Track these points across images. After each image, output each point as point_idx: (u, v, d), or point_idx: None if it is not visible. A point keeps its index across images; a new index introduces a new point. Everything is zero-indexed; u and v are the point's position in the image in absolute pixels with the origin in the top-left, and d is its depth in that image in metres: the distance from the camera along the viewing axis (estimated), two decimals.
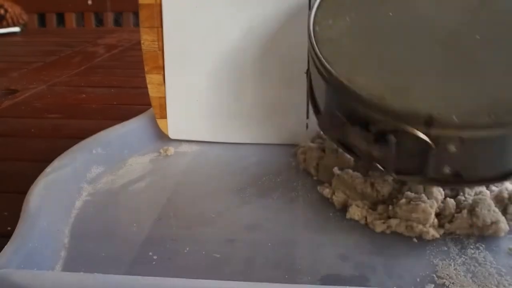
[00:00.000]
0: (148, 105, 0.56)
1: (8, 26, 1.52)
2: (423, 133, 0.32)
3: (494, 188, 0.41)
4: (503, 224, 0.36)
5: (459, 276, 0.32)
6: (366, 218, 0.39)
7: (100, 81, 0.93)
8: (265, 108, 0.54)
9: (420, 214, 0.36)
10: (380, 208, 0.39)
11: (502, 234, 0.36)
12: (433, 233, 0.36)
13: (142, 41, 0.53)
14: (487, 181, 0.37)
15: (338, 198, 0.41)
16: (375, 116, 0.33)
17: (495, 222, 0.36)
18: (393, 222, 0.37)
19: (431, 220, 0.36)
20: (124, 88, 0.88)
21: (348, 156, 0.42)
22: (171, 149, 0.53)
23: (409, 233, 0.37)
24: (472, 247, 0.36)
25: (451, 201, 0.38)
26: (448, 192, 0.40)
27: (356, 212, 0.39)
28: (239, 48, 0.53)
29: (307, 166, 0.47)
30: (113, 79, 0.94)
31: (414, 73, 0.35)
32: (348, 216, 0.39)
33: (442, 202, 0.38)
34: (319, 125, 0.42)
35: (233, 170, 0.49)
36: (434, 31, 0.38)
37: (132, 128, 0.54)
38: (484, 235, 0.37)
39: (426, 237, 0.36)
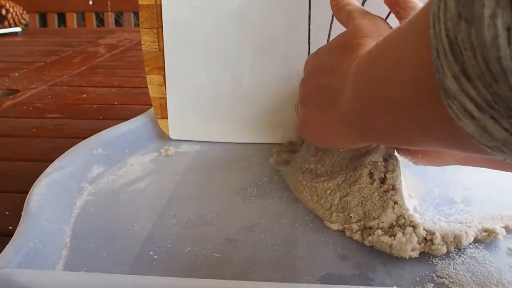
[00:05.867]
0: (149, 105, 0.57)
1: (9, 26, 1.53)
2: None
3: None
4: (499, 231, 0.36)
5: (458, 276, 0.33)
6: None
7: (101, 81, 0.93)
8: (266, 107, 0.54)
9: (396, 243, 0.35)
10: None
11: (501, 238, 0.37)
12: (411, 254, 0.35)
13: (142, 42, 0.53)
14: None
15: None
16: None
17: (491, 231, 0.36)
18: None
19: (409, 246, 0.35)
20: (124, 88, 0.88)
21: None
22: (172, 149, 0.53)
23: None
24: (471, 246, 0.36)
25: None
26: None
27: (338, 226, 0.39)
28: (239, 48, 0.53)
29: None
30: (114, 79, 0.95)
31: None
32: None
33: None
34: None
35: (234, 170, 0.49)
36: None
37: (132, 128, 0.54)
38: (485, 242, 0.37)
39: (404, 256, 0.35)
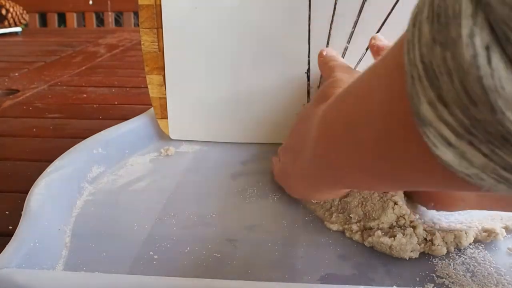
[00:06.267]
0: (149, 104, 0.57)
1: (9, 26, 1.53)
2: None
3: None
4: (499, 231, 0.36)
5: (458, 276, 0.33)
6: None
7: (101, 81, 0.93)
8: (266, 107, 0.54)
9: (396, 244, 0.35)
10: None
11: (501, 238, 0.37)
12: (411, 255, 0.35)
13: (142, 42, 0.53)
14: None
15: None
16: None
17: (491, 231, 0.36)
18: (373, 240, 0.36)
19: (409, 248, 0.35)
20: (124, 88, 0.88)
21: None
22: (172, 149, 0.53)
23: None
24: (471, 246, 0.36)
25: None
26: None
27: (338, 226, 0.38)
28: (239, 48, 0.53)
29: None
30: (114, 79, 0.95)
31: None
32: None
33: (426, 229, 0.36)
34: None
35: (234, 170, 0.49)
36: None
37: (132, 128, 0.54)
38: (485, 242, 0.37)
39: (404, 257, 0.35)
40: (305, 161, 0.35)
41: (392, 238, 0.35)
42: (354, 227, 0.37)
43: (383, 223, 0.36)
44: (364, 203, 0.38)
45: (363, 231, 0.37)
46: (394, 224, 0.36)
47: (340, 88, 0.36)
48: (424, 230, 0.35)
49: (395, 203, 0.37)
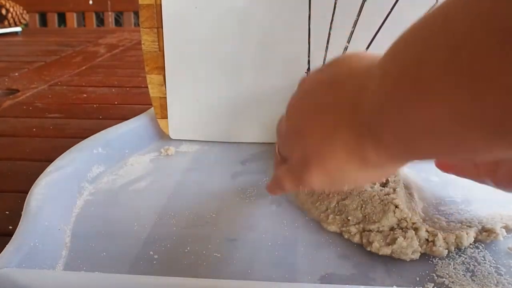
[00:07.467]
0: (149, 104, 0.57)
1: (9, 26, 1.53)
2: None
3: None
4: (499, 231, 0.36)
5: (458, 275, 0.33)
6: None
7: (101, 80, 0.93)
8: (265, 107, 0.54)
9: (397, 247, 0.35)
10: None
11: (501, 238, 0.37)
12: (412, 257, 0.34)
13: (142, 42, 0.54)
14: None
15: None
16: None
17: (491, 231, 0.36)
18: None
19: (410, 251, 0.34)
20: (125, 88, 0.88)
21: None
22: (172, 149, 0.53)
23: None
24: (471, 246, 0.36)
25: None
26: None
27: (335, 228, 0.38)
28: (239, 48, 0.53)
29: None
30: (114, 78, 0.95)
31: None
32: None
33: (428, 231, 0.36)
34: None
35: (234, 169, 0.49)
36: None
37: (132, 128, 0.54)
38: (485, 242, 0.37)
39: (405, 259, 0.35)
40: (355, 125, 0.26)
41: (392, 243, 0.35)
42: (353, 229, 0.37)
43: (383, 226, 0.36)
44: (363, 206, 0.38)
45: (362, 233, 0.37)
46: (395, 226, 0.36)
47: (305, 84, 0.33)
48: (426, 231, 0.35)
49: (396, 206, 0.37)
